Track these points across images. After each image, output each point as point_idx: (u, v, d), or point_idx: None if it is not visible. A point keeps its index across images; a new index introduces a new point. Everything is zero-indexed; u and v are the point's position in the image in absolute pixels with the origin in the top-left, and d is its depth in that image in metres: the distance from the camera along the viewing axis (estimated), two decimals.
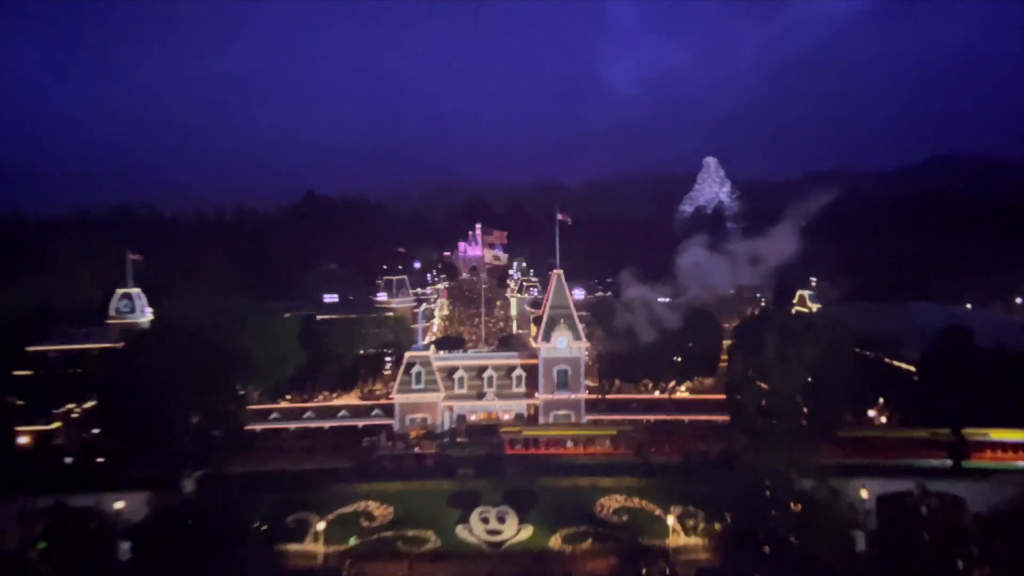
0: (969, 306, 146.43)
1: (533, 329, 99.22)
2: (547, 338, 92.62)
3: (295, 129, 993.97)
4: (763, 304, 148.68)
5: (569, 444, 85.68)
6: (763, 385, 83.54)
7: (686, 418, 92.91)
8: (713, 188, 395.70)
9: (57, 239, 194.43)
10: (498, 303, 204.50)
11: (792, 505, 67.00)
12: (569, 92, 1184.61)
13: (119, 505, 72.85)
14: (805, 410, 77.46)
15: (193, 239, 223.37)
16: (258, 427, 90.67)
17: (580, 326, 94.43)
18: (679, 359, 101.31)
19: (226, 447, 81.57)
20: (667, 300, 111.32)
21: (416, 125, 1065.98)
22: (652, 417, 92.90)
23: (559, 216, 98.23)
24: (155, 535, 69.63)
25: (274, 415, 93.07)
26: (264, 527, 70.36)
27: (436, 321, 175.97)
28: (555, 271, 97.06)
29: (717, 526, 69.82)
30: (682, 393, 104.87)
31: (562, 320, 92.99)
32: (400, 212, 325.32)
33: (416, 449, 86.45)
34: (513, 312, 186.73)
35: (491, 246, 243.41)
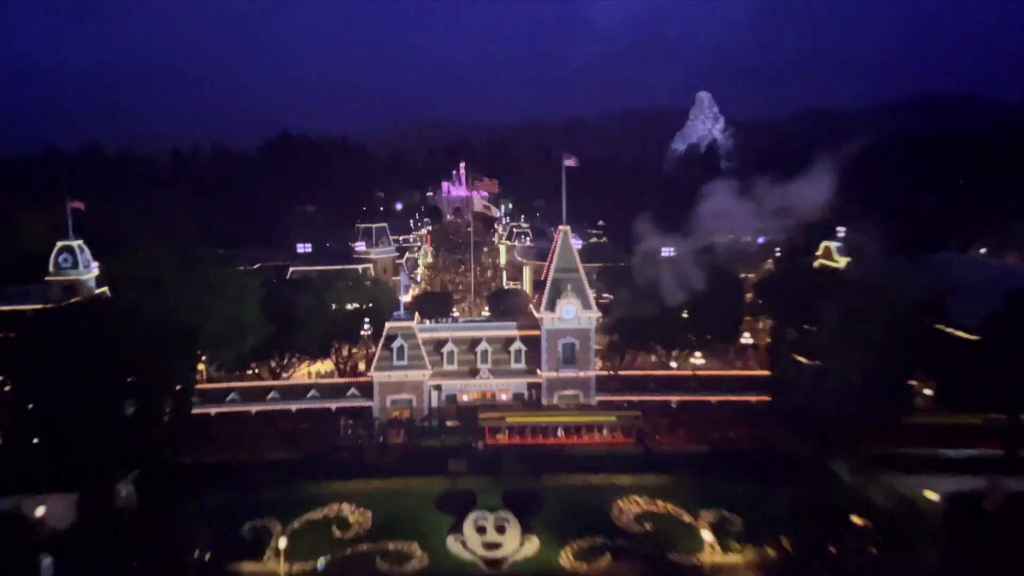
0: (984, 251, 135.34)
1: (530, 289, 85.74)
2: (551, 307, 78.49)
3: (272, 65, 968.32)
4: (778, 255, 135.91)
5: (560, 433, 73.57)
6: (806, 360, 71.45)
7: (713, 399, 79.52)
8: (706, 125, 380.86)
9: (14, 182, 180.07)
10: (485, 249, 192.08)
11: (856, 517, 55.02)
12: (551, 27, 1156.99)
13: (40, 511, 60.70)
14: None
15: (163, 180, 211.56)
16: (212, 410, 77.85)
17: (590, 292, 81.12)
18: (695, 321, 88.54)
19: (172, 437, 69.16)
20: (671, 251, 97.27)
21: (395, 62, 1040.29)
22: (674, 398, 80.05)
23: (566, 161, 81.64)
24: (83, 548, 57.52)
25: (232, 395, 79.89)
26: (208, 556, 57.60)
27: (420, 271, 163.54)
28: (561, 227, 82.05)
29: (772, 552, 57.23)
30: (696, 360, 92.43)
31: (569, 285, 78.74)
32: (380, 151, 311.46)
33: (380, 439, 74.11)
34: (502, 261, 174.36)
35: (479, 193, 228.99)
